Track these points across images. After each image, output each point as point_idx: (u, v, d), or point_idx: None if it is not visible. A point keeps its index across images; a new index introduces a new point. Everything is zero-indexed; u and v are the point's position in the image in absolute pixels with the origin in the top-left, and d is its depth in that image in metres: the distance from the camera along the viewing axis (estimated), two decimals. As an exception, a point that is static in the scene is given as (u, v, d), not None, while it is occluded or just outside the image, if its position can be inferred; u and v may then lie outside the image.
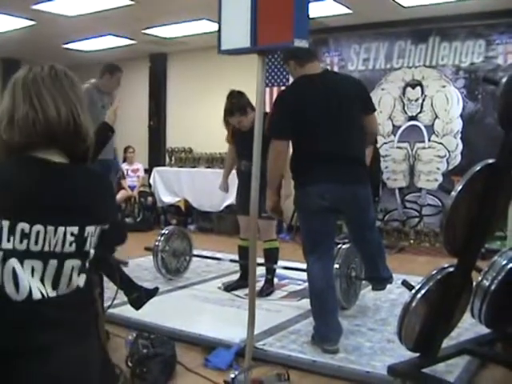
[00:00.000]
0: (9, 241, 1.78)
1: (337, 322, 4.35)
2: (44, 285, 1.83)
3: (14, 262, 1.79)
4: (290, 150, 4.40)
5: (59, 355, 1.82)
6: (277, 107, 4.35)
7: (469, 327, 4.54)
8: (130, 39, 10.45)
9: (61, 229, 1.84)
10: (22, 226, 1.79)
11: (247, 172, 5.24)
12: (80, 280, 1.92)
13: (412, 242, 9.05)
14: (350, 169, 4.25)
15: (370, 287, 5.15)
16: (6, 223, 1.77)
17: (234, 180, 6.28)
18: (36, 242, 1.80)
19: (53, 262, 1.84)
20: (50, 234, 1.82)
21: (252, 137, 3.48)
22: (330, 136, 4.20)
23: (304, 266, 4.49)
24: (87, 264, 1.93)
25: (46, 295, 1.82)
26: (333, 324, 4.32)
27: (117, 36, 10.19)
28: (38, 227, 1.80)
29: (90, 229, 1.90)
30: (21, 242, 1.79)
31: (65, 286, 1.87)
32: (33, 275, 1.81)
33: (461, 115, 8.68)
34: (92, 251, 1.93)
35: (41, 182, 1.87)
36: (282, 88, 9.80)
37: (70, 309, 1.89)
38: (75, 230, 1.86)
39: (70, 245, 1.85)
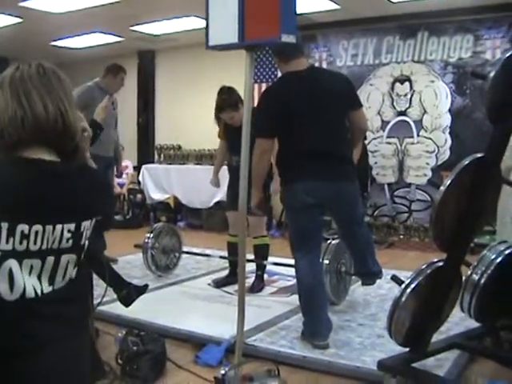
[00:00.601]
0: (7, 242, 1.77)
1: (326, 317, 4.36)
2: (41, 281, 1.83)
3: (11, 262, 1.78)
4: (276, 146, 4.40)
5: (55, 349, 1.83)
6: (261, 105, 4.35)
7: (458, 321, 4.55)
8: (118, 36, 10.43)
9: (59, 226, 1.84)
10: (22, 227, 1.78)
11: (239, 167, 5.23)
12: (73, 272, 1.92)
13: (401, 237, 9.07)
14: (337, 165, 4.25)
15: (360, 282, 5.15)
16: (4, 225, 1.76)
17: (224, 175, 6.27)
18: (35, 242, 1.80)
19: (50, 259, 1.84)
20: (49, 233, 1.82)
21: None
22: (315, 133, 4.19)
23: (294, 262, 4.49)
24: (82, 256, 1.93)
25: (40, 292, 1.82)
26: (322, 319, 4.33)
27: (105, 33, 10.16)
28: (37, 227, 1.80)
29: (85, 223, 1.90)
30: (20, 243, 1.78)
31: (60, 279, 1.87)
32: (30, 273, 1.82)
33: (449, 110, 8.71)
34: (86, 243, 1.93)
35: (39, 182, 1.85)
36: (264, 84, 9.84)
37: (64, 303, 1.89)
38: (72, 226, 1.86)
39: (67, 241, 1.86)
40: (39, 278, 1.83)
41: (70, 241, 1.86)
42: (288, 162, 4.29)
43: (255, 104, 4.73)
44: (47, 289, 1.84)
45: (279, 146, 4.35)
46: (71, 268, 1.90)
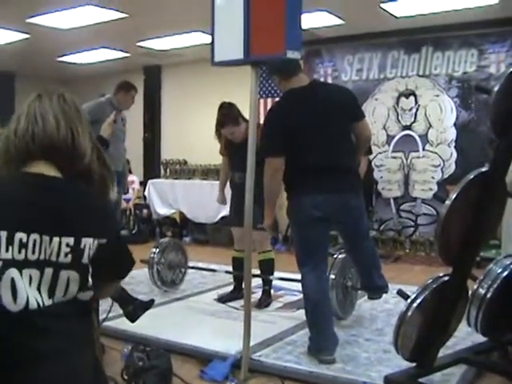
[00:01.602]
0: (7, 251, 1.79)
1: (332, 332, 4.34)
2: (40, 293, 1.83)
3: (13, 271, 1.79)
4: None
5: (56, 363, 1.82)
6: (268, 124, 4.36)
7: (465, 336, 4.53)
8: (124, 52, 10.47)
9: (56, 239, 1.84)
10: (20, 235, 1.80)
11: (241, 183, 5.24)
12: (83, 295, 1.92)
13: (407, 251, 9.04)
14: (342, 179, 4.26)
15: (366, 297, 5.14)
16: (3, 233, 1.78)
17: (227, 191, 6.28)
18: (33, 251, 1.81)
19: (48, 271, 1.84)
20: (46, 244, 1.83)
21: (245, 148, 3.48)
22: (320, 147, 4.20)
23: (300, 276, 4.48)
24: (89, 280, 1.92)
25: (41, 304, 1.82)
26: (328, 334, 4.31)
27: (111, 49, 10.20)
28: (35, 236, 1.82)
29: (86, 241, 1.89)
30: (19, 251, 1.80)
31: (61, 295, 1.87)
32: (30, 284, 1.81)
33: (454, 124, 8.70)
34: (90, 265, 1.93)
35: (36, 193, 1.89)
36: (276, 99, 9.85)
37: (67, 318, 1.89)
38: (70, 240, 1.86)
39: (66, 255, 1.86)
40: (39, 289, 1.83)
41: (69, 256, 1.86)
42: (294, 176, 4.29)
43: (260, 119, 4.75)
44: (47, 301, 1.84)
45: (285, 162, 4.35)
46: (74, 287, 1.88)
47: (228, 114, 5.68)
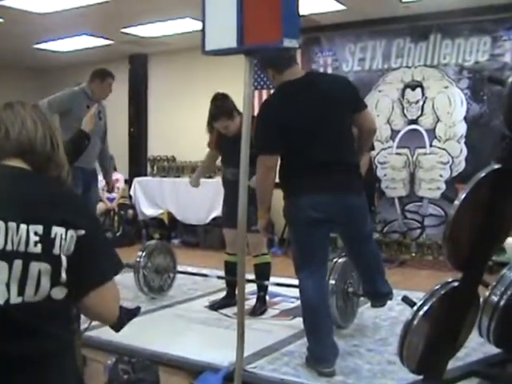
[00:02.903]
0: None
1: (332, 342, 4.35)
2: (9, 289, 1.83)
3: None
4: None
5: (25, 374, 1.83)
6: (261, 120, 4.37)
7: (476, 347, 4.54)
8: (108, 39, 10.44)
9: (23, 226, 1.86)
10: None
11: (234, 181, 5.24)
12: (57, 292, 1.91)
13: (413, 255, 9.05)
14: (342, 177, 4.26)
15: (369, 304, 5.14)
16: None
17: (219, 190, 6.28)
18: None
19: (17, 263, 1.84)
20: (13, 232, 1.84)
21: (239, 142, 3.48)
22: (318, 143, 4.21)
23: (297, 282, 4.49)
24: (63, 274, 1.91)
25: (10, 301, 1.82)
26: (328, 344, 4.32)
27: (93, 36, 10.16)
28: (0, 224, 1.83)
29: (57, 230, 1.89)
30: None
31: (32, 292, 1.86)
32: None
33: (465, 118, 8.69)
34: (64, 258, 1.92)
35: (2, 181, 1.96)
36: (272, 91, 9.84)
37: (39, 319, 1.89)
38: (39, 229, 1.87)
39: (35, 245, 1.86)
40: (7, 285, 1.83)
41: (39, 245, 1.86)
42: (290, 175, 4.30)
43: (255, 112, 4.74)
44: (16, 299, 1.84)
45: (281, 160, 4.35)
46: (46, 281, 1.88)
47: (222, 107, 5.67)
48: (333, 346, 4.33)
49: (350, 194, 4.31)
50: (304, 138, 4.21)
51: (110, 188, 7.57)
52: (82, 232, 1.94)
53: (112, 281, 2.07)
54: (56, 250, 1.89)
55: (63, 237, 1.90)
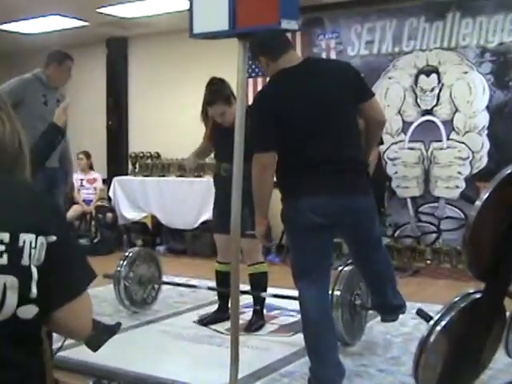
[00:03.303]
0: None
1: (337, 360, 4.33)
2: None
3: None
4: None
5: None
6: (255, 115, 4.35)
7: (503, 368, 4.53)
8: (82, 20, 10.42)
9: None
10: None
11: (228, 177, 5.24)
12: (25, 311, 1.89)
13: (429, 262, 9.05)
14: (346, 176, 4.24)
15: (379, 318, 5.14)
16: None
17: (209, 191, 6.27)
18: None
19: None
20: None
21: (233, 134, 3.47)
22: (318, 139, 4.20)
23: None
24: (33, 288, 1.89)
25: None
26: (332, 363, 4.30)
27: (65, 16, 10.14)
28: None
29: (26, 237, 1.87)
30: None
31: None
32: None
33: (487, 107, 8.68)
34: (34, 269, 1.90)
35: None
36: (268, 79, 9.83)
37: (4, 343, 1.87)
38: (5, 237, 1.84)
39: (1, 255, 1.83)
40: None
41: (5, 256, 1.83)
42: (288, 174, 4.29)
43: (249, 102, 4.74)
44: None
45: (278, 157, 4.34)
46: (12, 298, 1.85)
47: (218, 91, 5.68)
48: (338, 366, 4.32)
49: (354, 194, 4.29)
50: (302, 133, 4.21)
51: (71, 188, 7.46)
52: (53, 238, 1.92)
53: (86, 292, 2.04)
54: (24, 261, 1.87)
55: (33, 245, 1.88)
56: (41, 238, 1.89)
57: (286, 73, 4.30)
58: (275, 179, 4.37)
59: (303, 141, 4.20)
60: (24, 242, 1.86)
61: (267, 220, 4.50)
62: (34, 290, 1.87)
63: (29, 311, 1.88)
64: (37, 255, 1.88)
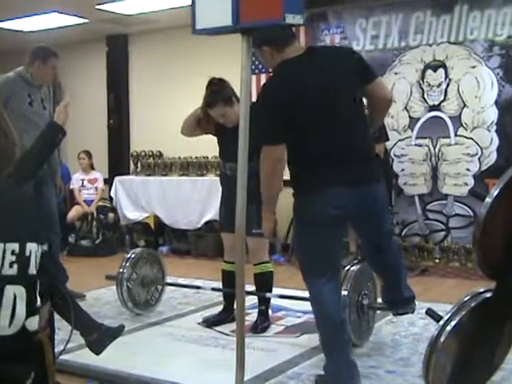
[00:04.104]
0: None
1: (354, 360, 4.34)
2: None
3: None
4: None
5: None
6: (260, 106, 4.34)
7: (515, 369, 4.53)
8: (81, 17, 10.41)
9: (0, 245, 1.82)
10: None
11: (234, 176, 5.23)
12: (30, 322, 1.88)
13: (437, 261, 9.03)
14: (361, 165, 4.25)
15: (387, 319, 5.13)
16: None
17: (213, 190, 6.26)
18: None
19: None
20: None
21: (238, 133, 3.47)
22: (330, 127, 4.19)
23: (304, 293, 4.47)
24: (37, 297, 1.89)
25: None
26: (352, 363, 4.31)
27: (64, 13, 10.12)
28: None
29: (32, 247, 1.87)
30: None
31: (6, 323, 1.83)
32: None
33: (496, 102, 8.64)
34: (35, 276, 1.90)
35: None
36: (263, 75, 9.83)
37: (10, 357, 1.86)
38: (16, 247, 1.84)
39: (11, 266, 1.83)
40: None
41: (15, 266, 1.84)
42: (301, 166, 4.28)
43: (253, 99, 4.73)
44: None
45: (288, 151, 4.33)
46: (21, 307, 1.85)
47: (218, 92, 5.65)
48: (355, 365, 4.32)
49: (369, 182, 4.30)
50: (312, 122, 4.20)
51: (59, 190, 7.37)
52: (45, 247, 1.92)
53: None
54: (31, 270, 1.87)
55: (36, 254, 1.88)
56: (40, 248, 1.89)
57: (290, 63, 4.29)
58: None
59: (314, 131, 4.20)
60: (30, 252, 1.86)
61: (275, 216, 4.50)
62: (38, 299, 1.87)
63: (34, 323, 1.88)
64: (37, 262, 1.88)
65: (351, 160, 4.20)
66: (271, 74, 4.70)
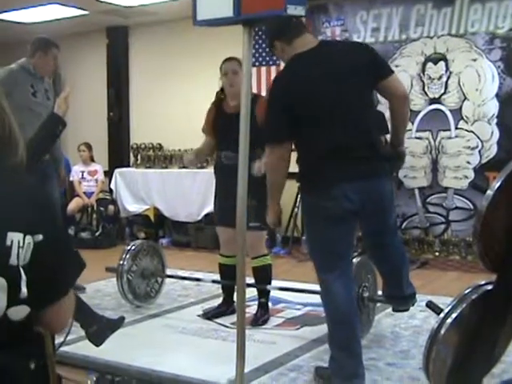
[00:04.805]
0: None
1: (361, 356, 4.34)
2: None
3: None
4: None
5: None
6: (270, 105, 4.34)
7: (516, 361, 4.53)
8: (81, 9, 10.38)
9: None
10: None
11: (229, 166, 5.24)
12: (16, 312, 1.86)
13: (437, 254, 9.05)
14: (372, 160, 4.24)
15: (387, 311, 5.13)
16: None
17: (213, 182, 6.25)
18: None
19: None
20: None
21: (237, 120, 3.45)
22: (341, 123, 4.19)
23: (304, 286, 4.47)
24: (23, 288, 1.87)
25: None
26: (359, 356, 4.31)
27: (64, 5, 10.09)
28: None
29: (14, 236, 1.84)
30: None
31: None
32: None
33: (497, 95, 8.63)
34: (22, 269, 1.88)
35: None
36: (273, 68, 9.82)
37: None
38: None
39: None
40: None
41: None
42: (310, 162, 4.27)
43: (253, 91, 4.72)
44: None
45: (298, 148, 4.32)
46: (2, 299, 1.83)
47: (234, 58, 5.69)
48: (361, 363, 4.33)
49: (381, 178, 4.31)
50: (322, 118, 4.19)
51: (62, 182, 7.37)
52: (40, 238, 1.90)
53: (71, 290, 2.02)
54: (13, 261, 1.84)
55: (21, 244, 1.85)
56: (28, 238, 1.86)
57: (301, 58, 4.26)
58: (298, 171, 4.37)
59: (324, 127, 4.19)
60: (12, 242, 1.83)
61: (280, 208, 4.51)
62: (24, 289, 1.85)
63: (20, 312, 1.86)
64: (23, 255, 1.85)
65: (361, 156, 4.19)
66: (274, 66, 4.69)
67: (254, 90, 7.61)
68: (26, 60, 6.52)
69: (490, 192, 3.20)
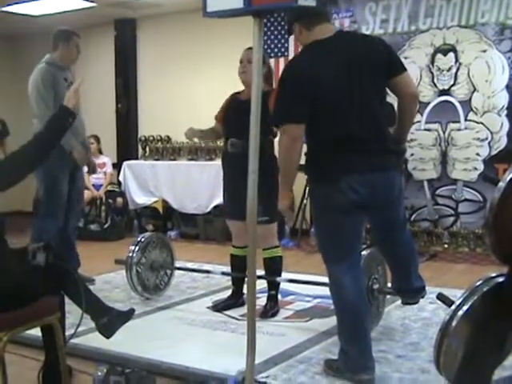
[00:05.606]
0: None
1: (371, 350, 4.35)
2: None
3: None
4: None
5: None
6: (283, 85, 4.32)
7: (528, 354, 4.52)
8: (89, 1, 10.38)
9: None
10: None
11: (236, 154, 5.27)
12: None
13: (446, 246, 9.03)
14: (383, 152, 4.25)
15: (397, 303, 5.13)
16: None
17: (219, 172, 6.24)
18: None
19: None
20: None
21: (248, 108, 3.44)
22: (353, 113, 4.18)
23: (313, 278, 4.47)
24: None
25: None
26: (369, 349, 4.31)
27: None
28: None
29: None
30: None
31: None
32: None
33: (507, 86, 8.59)
34: None
35: None
36: (282, 59, 9.80)
37: None
38: None
39: None
40: None
41: None
42: (320, 152, 4.27)
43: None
44: None
45: (308, 136, 4.31)
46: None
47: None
48: (369, 358, 4.33)
49: (391, 171, 4.32)
50: (335, 107, 4.19)
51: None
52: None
53: None
54: None
55: None
56: None
57: (319, 44, 4.28)
58: (304, 162, 4.35)
59: (336, 116, 4.20)
60: None
61: (292, 195, 4.50)
62: None
63: None
64: None
65: (373, 147, 4.20)
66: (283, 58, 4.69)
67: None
68: (50, 55, 6.68)
69: (501, 184, 3.19)
